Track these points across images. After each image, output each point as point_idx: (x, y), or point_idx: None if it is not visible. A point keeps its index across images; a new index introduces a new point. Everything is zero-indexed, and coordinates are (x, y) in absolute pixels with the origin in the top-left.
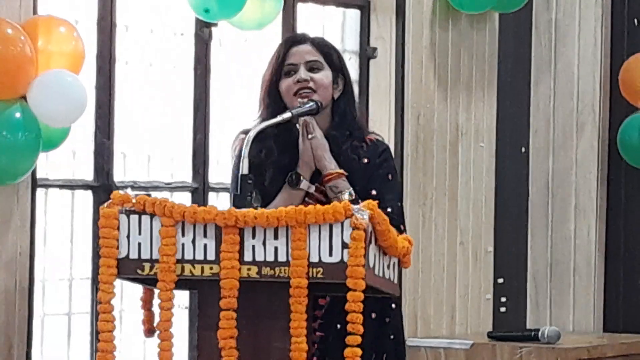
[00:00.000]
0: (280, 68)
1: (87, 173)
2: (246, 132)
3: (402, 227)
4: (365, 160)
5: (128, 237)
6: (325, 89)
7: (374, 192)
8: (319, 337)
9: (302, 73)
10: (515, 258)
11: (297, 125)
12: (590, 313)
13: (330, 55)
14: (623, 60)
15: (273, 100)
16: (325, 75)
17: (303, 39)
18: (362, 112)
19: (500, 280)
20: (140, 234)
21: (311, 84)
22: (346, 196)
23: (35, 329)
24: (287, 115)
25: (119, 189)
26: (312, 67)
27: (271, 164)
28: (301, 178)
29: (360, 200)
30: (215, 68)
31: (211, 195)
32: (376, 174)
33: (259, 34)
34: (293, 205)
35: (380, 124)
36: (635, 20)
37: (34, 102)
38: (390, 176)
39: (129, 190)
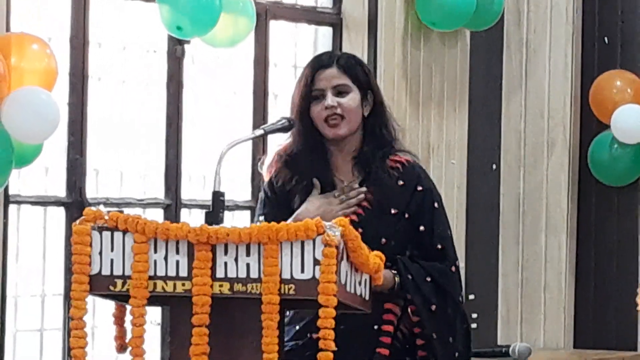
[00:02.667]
0: (309, 92)
1: (59, 189)
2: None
3: (457, 263)
4: (401, 183)
5: (100, 253)
6: (353, 112)
7: (422, 228)
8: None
9: (329, 99)
10: (486, 274)
11: (330, 147)
12: (561, 329)
13: (356, 74)
14: (593, 78)
15: (304, 126)
16: (352, 99)
17: (329, 62)
18: (396, 128)
19: (471, 297)
20: (112, 250)
21: (339, 110)
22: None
23: (7, 345)
24: (259, 132)
25: (91, 205)
26: (340, 92)
27: (302, 189)
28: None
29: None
30: (188, 85)
31: (183, 212)
32: (422, 206)
33: (231, 51)
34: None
35: None
36: (606, 39)
37: (6, 119)
38: (436, 204)
39: (101, 207)
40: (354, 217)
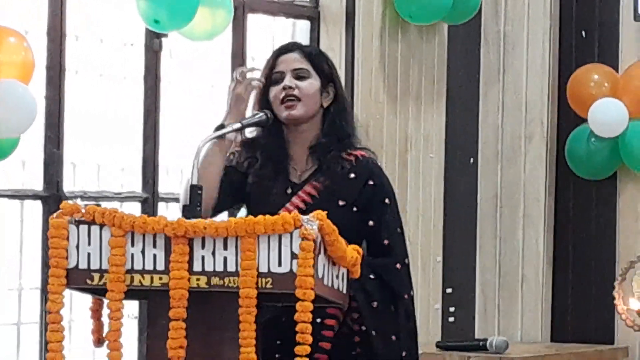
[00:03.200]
0: (269, 76)
1: (36, 183)
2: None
3: (405, 261)
4: (352, 176)
5: (77, 247)
6: (310, 97)
7: (371, 223)
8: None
9: (287, 80)
10: (464, 268)
11: (289, 135)
12: (539, 323)
13: (319, 63)
14: (571, 72)
15: (263, 108)
16: (310, 84)
17: (292, 48)
18: (355, 123)
19: (449, 290)
20: (89, 244)
21: (296, 92)
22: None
23: None
24: (236, 125)
25: (68, 199)
26: (299, 75)
27: (254, 173)
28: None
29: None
30: (166, 78)
31: (161, 205)
32: (372, 201)
33: (209, 45)
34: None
35: None
36: (584, 32)
37: None
38: (387, 200)
39: (78, 201)
40: (302, 206)
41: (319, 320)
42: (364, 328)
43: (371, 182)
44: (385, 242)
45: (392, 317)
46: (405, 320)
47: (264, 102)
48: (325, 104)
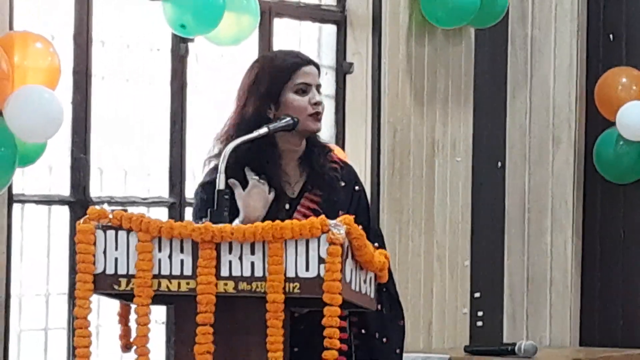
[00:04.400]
0: (286, 81)
1: (63, 188)
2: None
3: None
4: (343, 184)
5: (104, 252)
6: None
7: (360, 228)
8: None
9: (318, 97)
10: (491, 272)
11: (280, 144)
12: (567, 327)
13: None
14: (598, 75)
15: (267, 111)
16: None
17: (311, 61)
18: None
19: (477, 295)
20: (116, 249)
21: (321, 108)
22: None
23: (12, 344)
24: (263, 130)
25: (95, 204)
26: (318, 92)
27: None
28: None
29: None
30: (192, 83)
31: (188, 210)
32: (359, 206)
33: (235, 50)
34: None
35: (356, 139)
36: (611, 35)
37: (10, 118)
38: (368, 204)
39: (105, 206)
40: (309, 212)
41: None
42: (363, 331)
43: (357, 188)
44: (376, 244)
45: (390, 318)
46: (400, 319)
47: (272, 104)
48: None
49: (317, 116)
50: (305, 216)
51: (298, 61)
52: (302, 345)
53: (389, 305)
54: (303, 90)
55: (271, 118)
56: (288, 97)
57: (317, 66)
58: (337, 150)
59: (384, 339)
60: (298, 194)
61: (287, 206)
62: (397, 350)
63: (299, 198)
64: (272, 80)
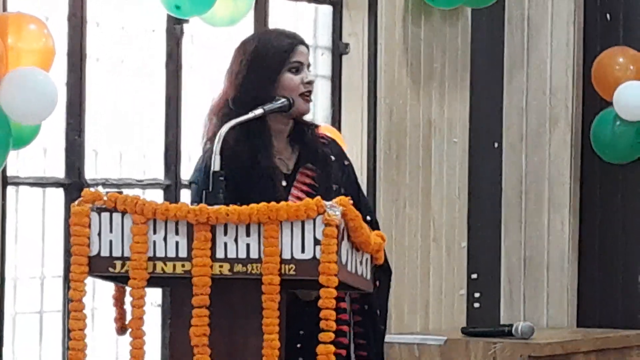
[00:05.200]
0: (286, 60)
1: (58, 170)
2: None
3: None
4: (333, 158)
5: (99, 234)
6: None
7: (351, 202)
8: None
9: (310, 76)
10: (489, 253)
11: (271, 124)
12: (564, 308)
13: None
14: (596, 55)
15: (268, 90)
16: None
17: (304, 40)
18: None
19: (474, 276)
20: (111, 231)
21: (312, 88)
22: None
23: (7, 327)
24: (259, 111)
25: (90, 186)
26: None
27: (242, 168)
28: None
29: None
30: (187, 64)
31: (183, 192)
32: (349, 180)
33: (231, 30)
34: None
35: (353, 120)
36: (608, 15)
37: (4, 100)
38: (357, 178)
39: (100, 188)
40: (303, 196)
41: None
42: (366, 307)
43: (346, 162)
44: (368, 218)
45: (384, 293)
46: (387, 294)
47: (274, 76)
48: None
49: (308, 95)
50: (303, 191)
51: (294, 41)
52: (309, 328)
53: (385, 281)
54: (297, 69)
55: (271, 96)
56: (283, 76)
57: (308, 46)
58: (322, 127)
59: (378, 312)
60: (292, 170)
61: (284, 183)
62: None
63: (294, 174)
64: (273, 58)
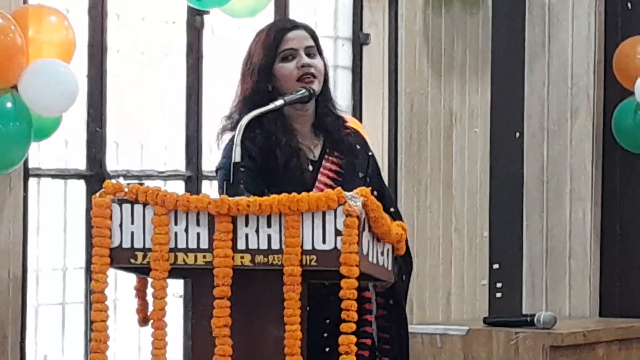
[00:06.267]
0: (274, 52)
1: (79, 162)
2: (234, 120)
3: (404, 227)
4: (358, 147)
5: (121, 226)
6: (321, 74)
7: (375, 193)
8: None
9: (305, 58)
10: (510, 243)
11: (291, 112)
12: (586, 298)
13: (318, 42)
14: (617, 44)
15: (266, 85)
16: (319, 62)
17: (299, 25)
18: None
19: (496, 266)
20: (132, 223)
21: (312, 70)
22: None
23: (29, 319)
24: (279, 102)
25: (111, 178)
26: (309, 53)
27: (264, 157)
28: None
29: None
30: (208, 56)
31: (205, 184)
32: (374, 171)
33: (251, 21)
34: None
35: (374, 110)
36: (629, 4)
37: (25, 92)
38: (379, 169)
39: (121, 179)
40: (330, 182)
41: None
42: (391, 302)
43: (370, 153)
44: (392, 209)
45: (406, 287)
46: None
47: (267, 78)
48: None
49: (307, 78)
50: (330, 178)
51: (282, 29)
52: (335, 317)
53: (409, 275)
54: (289, 56)
55: (270, 91)
56: (276, 67)
57: (306, 28)
58: (347, 118)
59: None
60: (319, 157)
61: (310, 168)
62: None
63: (320, 160)
64: (263, 53)
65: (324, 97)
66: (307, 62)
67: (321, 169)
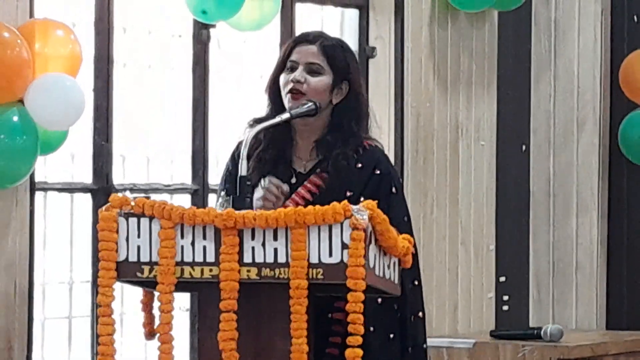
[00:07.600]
0: (283, 63)
1: (86, 176)
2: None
3: (413, 251)
4: (359, 165)
5: (127, 239)
6: (316, 93)
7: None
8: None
9: (298, 73)
10: (517, 256)
11: (298, 125)
12: (593, 311)
13: (335, 59)
14: (623, 57)
15: (274, 95)
16: (321, 80)
17: (314, 39)
18: (370, 116)
19: (503, 279)
20: (139, 236)
21: (303, 87)
22: None
23: (36, 332)
24: (285, 115)
25: (118, 191)
26: (311, 70)
27: (255, 157)
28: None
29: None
30: (214, 69)
31: (211, 197)
32: (379, 190)
33: (257, 35)
34: None
35: (380, 123)
36: (635, 17)
37: (31, 106)
38: (394, 189)
39: (127, 193)
40: (308, 196)
41: (329, 315)
42: (399, 315)
43: (378, 172)
44: (405, 219)
45: (394, 314)
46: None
47: (274, 87)
48: (335, 100)
49: (295, 93)
50: (309, 191)
51: (296, 41)
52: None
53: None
54: (290, 68)
55: (281, 102)
56: (280, 77)
57: (323, 45)
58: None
59: (391, 335)
60: (309, 171)
61: (293, 179)
62: (409, 349)
63: (308, 174)
64: (276, 63)
65: (335, 121)
66: (297, 78)
67: (305, 183)
